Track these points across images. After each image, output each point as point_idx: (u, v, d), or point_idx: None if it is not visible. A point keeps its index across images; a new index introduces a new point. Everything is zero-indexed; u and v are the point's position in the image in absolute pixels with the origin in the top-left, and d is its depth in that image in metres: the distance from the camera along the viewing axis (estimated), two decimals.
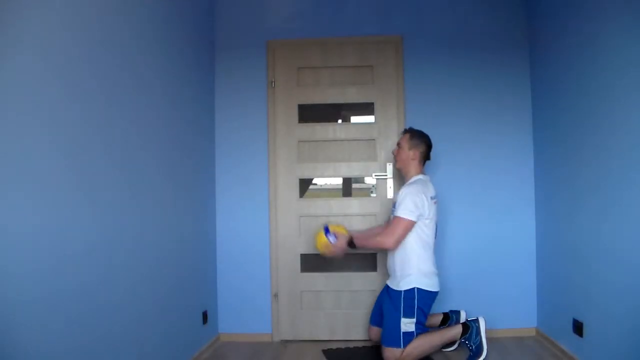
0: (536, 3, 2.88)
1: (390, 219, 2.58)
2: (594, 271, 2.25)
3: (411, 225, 2.39)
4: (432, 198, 2.47)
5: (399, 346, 2.36)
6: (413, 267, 2.42)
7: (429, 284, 2.42)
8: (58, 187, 1.48)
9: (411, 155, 2.54)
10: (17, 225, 1.30)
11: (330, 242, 2.49)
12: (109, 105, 1.78)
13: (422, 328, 2.43)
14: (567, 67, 2.51)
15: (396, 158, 2.63)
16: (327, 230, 2.52)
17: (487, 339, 2.44)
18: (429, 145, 2.59)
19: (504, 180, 2.97)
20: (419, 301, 2.40)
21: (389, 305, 2.47)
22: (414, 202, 2.37)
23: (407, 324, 2.37)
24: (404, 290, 2.40)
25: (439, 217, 2.62)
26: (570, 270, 2.50)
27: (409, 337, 2.37)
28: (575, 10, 2.40)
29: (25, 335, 1.32)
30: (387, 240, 2.41)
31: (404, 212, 2.38)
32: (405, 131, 2.63)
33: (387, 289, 2.56)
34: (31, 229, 1.36)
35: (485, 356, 2.40)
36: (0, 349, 1.24)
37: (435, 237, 2.52)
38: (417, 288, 2.39)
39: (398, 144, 2.62)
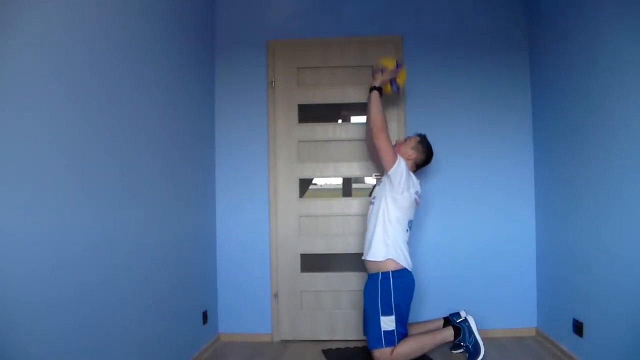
0: (536, 3, 2.88)
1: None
2: (594, 271, 2.25)
3: (393, 152, 2.43)
4: (416, 192, 2.51)
5: (382, 345, 2.36)
6: (389, 237, 2.44)
7: (403, 259, 2.43)
8: (58, 187, 1.48)
9: (409, 153, 2.58)
10: (17, 225, 1.30)
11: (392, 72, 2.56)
12: (108, 105, 1.78)
13: (404, 328, 2.43)
14: (567, 67, 2.51)
15: (395, 147, 2.63)
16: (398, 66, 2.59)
17: (487, 338, 2.44)
18: (427, 159, 2.65)
19: (504, 180, 2.97)
20: (395, 287, 2.39)
21: (368, 301, 2.47)
22: (404, 165, 2.44)
23: (387, 322, 2.38)
24: (382, 272, 2.42)
25: (416, 212, 2.64)
26: (570, 270, 2.50)
27: (390, 335, 2.37)
28: (576, 10, 2.40)
29: (25, 336, 1.32)
30: (380, 131, 2.41)
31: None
32: (419, 135, 2.66)
33: (365, 286, 2.56)
34: (31, 229, 1.36)
35: (485, 352, 2.43)
36: (0, 349, 1.24)
37: (408, 231, 2.52)
38: (392, 271, 2.41)
39: (406, 139, 2.67)
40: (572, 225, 2.47)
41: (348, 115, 3.23)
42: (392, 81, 2.60)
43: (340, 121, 3.21)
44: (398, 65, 2.58)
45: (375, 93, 2.49)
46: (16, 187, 1.30)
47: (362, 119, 3.11)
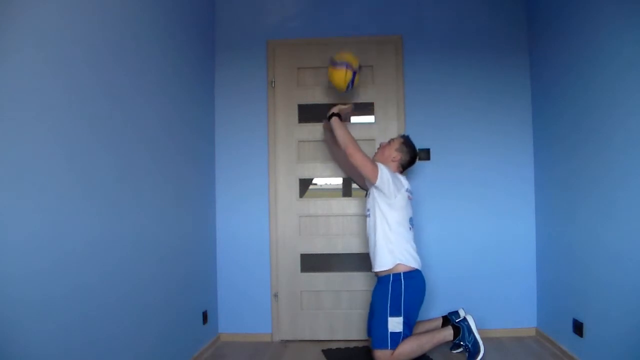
0: (536, 3, 2.88)
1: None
2: (594, 271, 2.25)
3: (371, 163, 2.42)
4: (406, 190, 2.51)
5: (387, 347, 2.36)
6: (392, 244, 2.44)
7: (411, 260, 2.44)
8: (58, 187, 1.48)
9: (394, 155, 2.59)
10: (18, 226, 1.30)
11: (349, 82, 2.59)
12: (108, 104, 1.78)
13: (410, 330, 2.43)
14: (567, 67, 2.51)
15: (379, 150, 2.67)
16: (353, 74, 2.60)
17: (487, 338, 2.45)
18: (412, 159, 2.65)
19: (504, 180, 2.97)
20: (406, 289, 2.39)
21: (376, 301, 2.47)
22: (386, 167, 2.45)
23: (395, 324, 2.37)
24: (393, 274, 2.41)
25: (415, 212, 2.70)
26: (570, 271, 2.50)
27: (396, 337, 2.37)
28: (576, 10, 2.40)
29: (25, 335, 1.32)
30: (353, 150, 2.41)
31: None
32: (403, 136, 2.67)
33: (374, 287, 2.56)
34: (32, 229, 1.36)
35: (484, 352, 2.43)
36: (0, 349, 1.24)
37: (411, 229, 2.52)
38: (403, 272, 2.41)
39: (389, 141, 2.67)
40: (573, 225, 2.47)
41: (348, 115, 3.22)
42: (351, 82, 2.61)
43: None
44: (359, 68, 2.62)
45: (335, 119, 2.53)
46: (16, 187, 1.30)
47: (362, 119, 3.11)
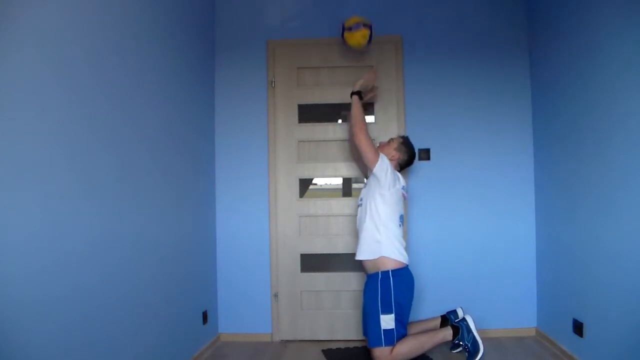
0: (536, 3, 2.88)
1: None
2: (594, 271, 2.25)
3: (375, 150, 2.48)
4: (402, 187, 2.54)
5: (381, 344, 2.36)
6: (381, 235, 2.45)
7: (398, 254, 2.44)
8: (58, 187, 1.48)
9: (392, 154, 2.61)
10: (18, 226, 1.30)
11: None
12: (108, 105, 1.78)
13: (404, 327, 2.43)
14: (567, 67, 2.51)
15: (378, 148, 2.67)
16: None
17: (487, 338, 2.44)
18: (410, 159, 2.68)
19: (504, 180, 2.97)
20: (395, 286, 2.39)
21: (367, 300, 2.48)
22: (387, 161, 2.49)
23: (387, 321, 2.38)
24: (381, 272, 2.42)
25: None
26: (570, 271, 2.50)
27: (389, 334, 2.37)
28: (575, 10, 2.41)
29: (25, 335, 1.32)
30: (359, 131, 2.46)
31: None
32: (402, 137, 2.70)
33: (364, 286, 2.57)
34: (32, 229, 1.36)
35: (484, 351, 2.43)
36: (0, 349, 1.24)
37: (401, 225, 2.53)
38: (391, 270, 2.42)
39: (389, 140, 2.70)
40: (572, 225, 2.47)
41: (348, 115, 3.22)
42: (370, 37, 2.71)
43: (340, 121, 3.20)
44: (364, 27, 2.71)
45: (355, 97, 2.58)
46: (16, 187, 1.30)
47: None
